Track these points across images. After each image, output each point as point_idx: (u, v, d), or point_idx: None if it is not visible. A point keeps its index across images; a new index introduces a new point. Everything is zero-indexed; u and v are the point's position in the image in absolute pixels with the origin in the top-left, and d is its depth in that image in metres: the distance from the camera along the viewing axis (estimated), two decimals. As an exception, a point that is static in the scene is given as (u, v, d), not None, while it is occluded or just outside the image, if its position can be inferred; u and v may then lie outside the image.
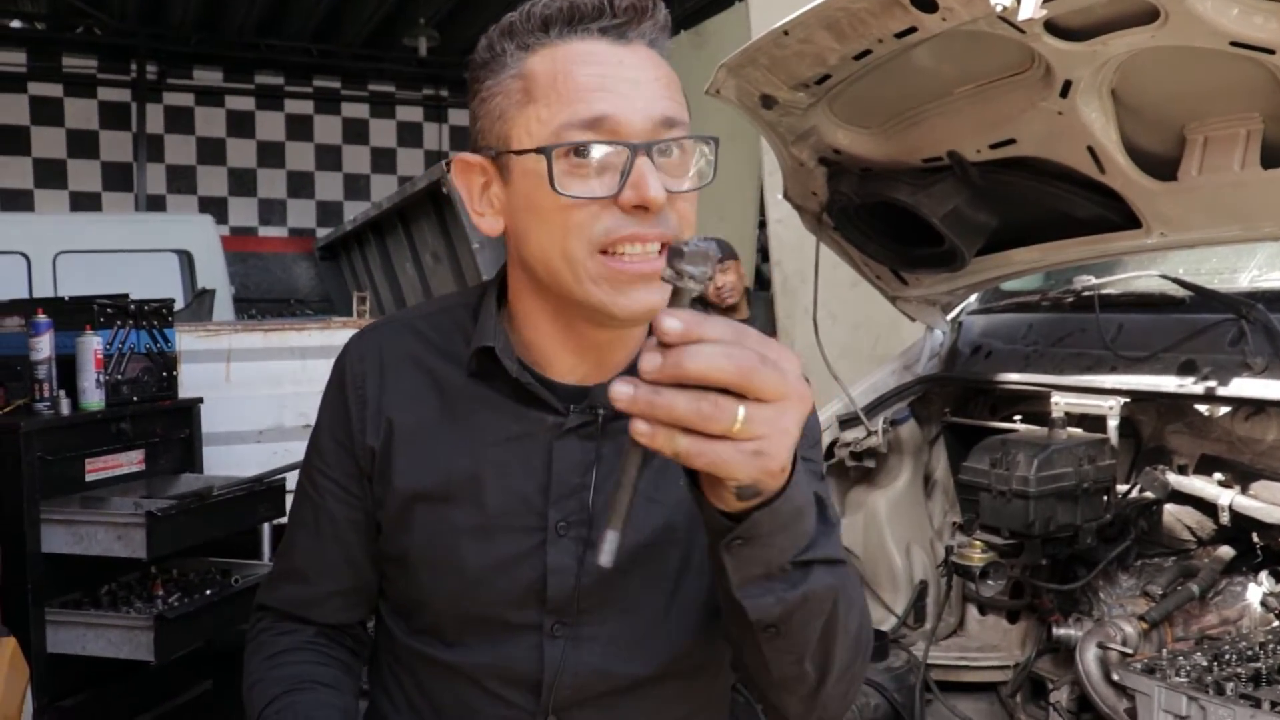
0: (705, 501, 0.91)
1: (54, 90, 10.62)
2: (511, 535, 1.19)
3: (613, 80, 1.09)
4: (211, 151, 11.33)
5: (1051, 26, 1.86)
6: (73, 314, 3.53)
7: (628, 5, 1.10)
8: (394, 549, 1.25)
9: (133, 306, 3.68)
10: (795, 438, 0.83)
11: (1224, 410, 2.31)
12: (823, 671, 1.05)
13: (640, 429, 0.79)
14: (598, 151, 1.07)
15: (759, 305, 4.76)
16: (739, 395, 0.79)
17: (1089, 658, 2.24)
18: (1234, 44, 1.75)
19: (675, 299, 0.83)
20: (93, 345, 3.46)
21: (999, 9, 1.76)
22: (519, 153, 1.10)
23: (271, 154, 11.61)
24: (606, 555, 0.83)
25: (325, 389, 1.33)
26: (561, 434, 1.19)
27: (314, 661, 1.30)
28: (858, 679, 1.11)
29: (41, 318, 3.41)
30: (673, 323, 0.78)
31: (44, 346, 3.40)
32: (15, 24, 10.12)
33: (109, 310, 3.58)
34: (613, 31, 1.10)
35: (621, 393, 0.79)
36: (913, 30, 1.97)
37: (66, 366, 3.46)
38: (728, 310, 4.57)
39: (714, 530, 0.93)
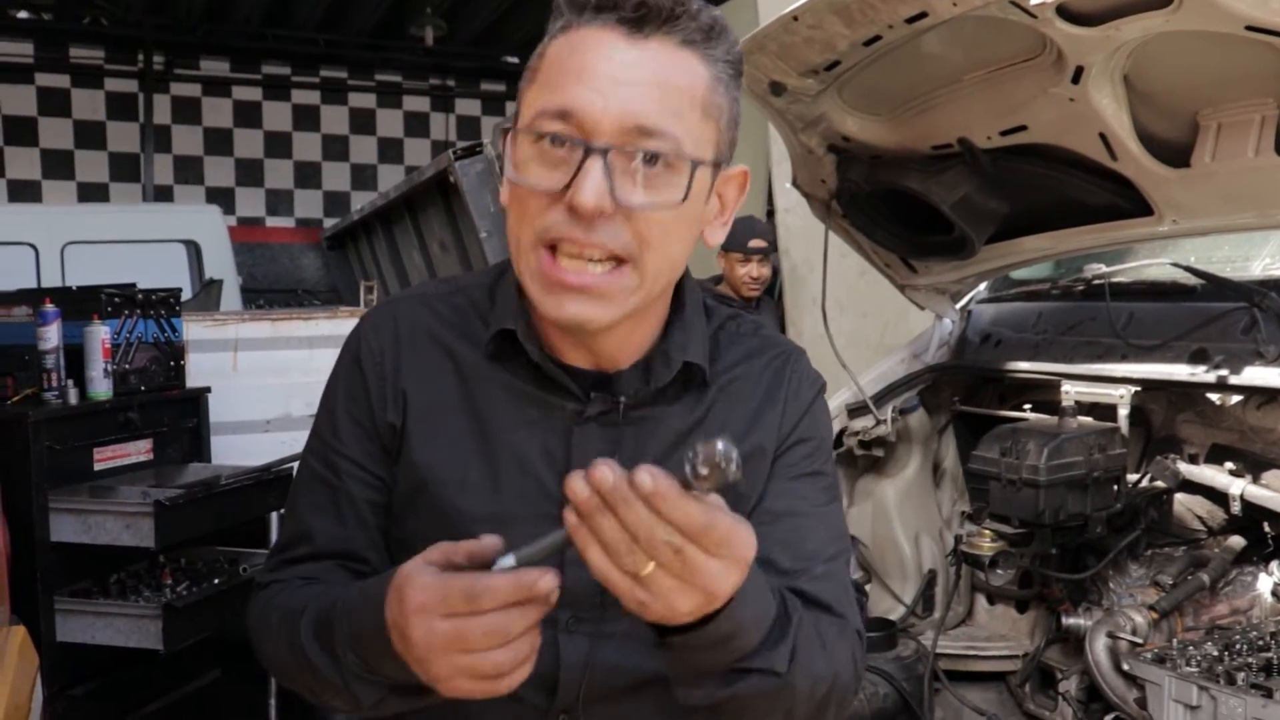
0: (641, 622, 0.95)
1: (61, 81, 10.61)
2: (529, 523, 1.12)
3: (595, 74, 1.05)
4: (218, 142, 11.31)
5: (1064, 11, 1.85)
6: (80, 304, 3.52)
7: (648, 9, 1.05)
8: (403, 533, 1.21)
9: (140, 296, 3.67)
10: (683, 614, 0.89)
11: (1235, 399, 2.29)
12: None
13: (570, 521, 0.87)
14: (559, 142, 1.04)
15: (765, 309, 4.71)
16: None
17: (1099, 647, 2.23)
18: (1249, 28, 1.73)
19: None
20: (100, 335, 3.46)
21: (1011, -7, 1.75)
22: (505, 131, 1.12)
23: (278, 144, 11.59)
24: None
25: (337, 367, 1.27)
26: (582, 421, 1.17)
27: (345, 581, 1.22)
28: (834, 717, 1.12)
29: (49, 307, 3.40)
30: (605, 478, 0.84)
31: (52, 336, 3.40)
32: (22, 15, 10.11)
33: (116, 300, 3.57)
34: (629, 25, 1.06)
35: (570, 517, 0.87)
36: (923, 15, 1.96)
37: (74, 356, 3.46)
38: (746, 303, 4.52)
39: (650, 640, 0.99)
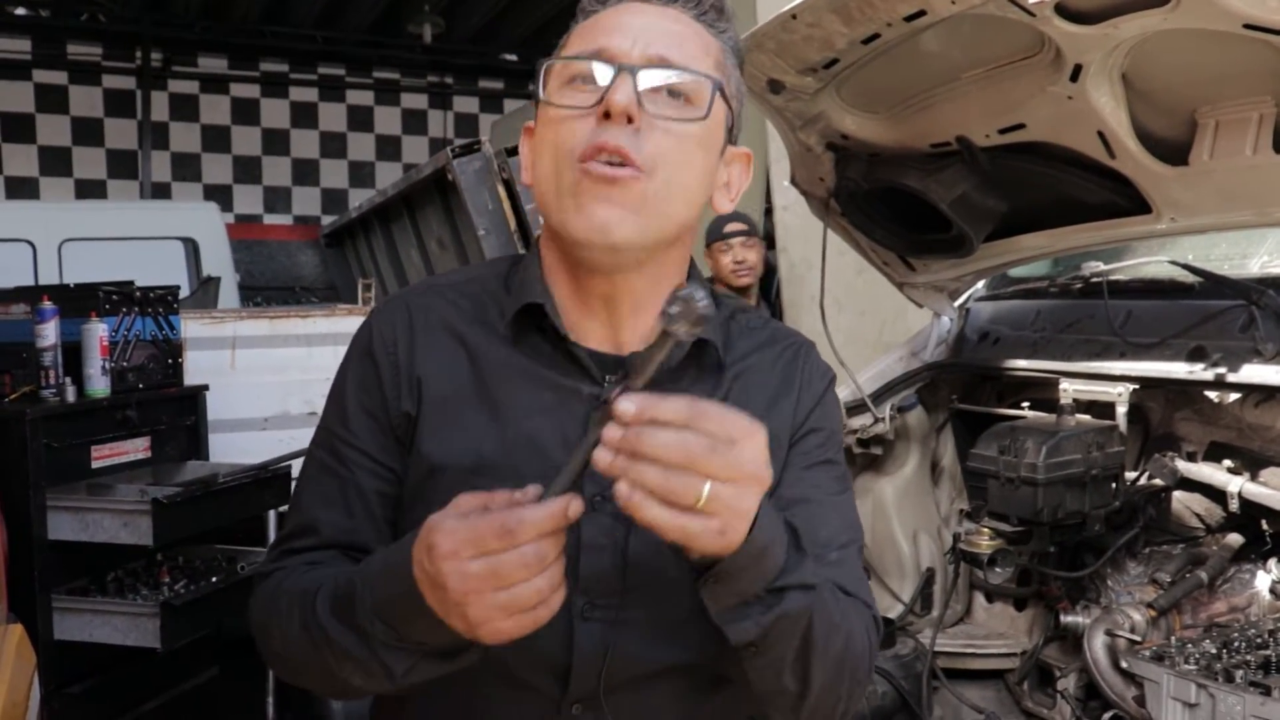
0: (679, 556, 0.97)
1: (59, 78, 10.60)
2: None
3: (624, 24, 1.16)
4: (216, 139, 11.31)
5: (1062, 9, 1.85)
6: (78, 301, 3.52)
7: None
8: (412, 522, 1.14)
9: (138, 294, 3.67)
10: (753, 511, 0.93)
11: (1233, 396, 2.29)
12: (803, 686, 1.08)
13: (622, 492, 0.88)
14: (589, 80, 1.13)
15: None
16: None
17: (1097, 645, 2.24)
18: (1247, 26, 1.73)
19: (660, 343, 0.91)
20: (98, 332, 3.46)
21: (1009, -9, 1.75)
22: (533, 80, 1.19)
23: (276, 141, 11.58)
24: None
25: (347, 363, 1.28)
26: (599, 404, 1.15)
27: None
28: (848, 699, 1.14)
29: (47, 305, 3.40)
30: (626, 405, 0.88)
31: (49, 333, 3.40)
32: (20, 11, 10.10)
33: (114, 297, 3.57)
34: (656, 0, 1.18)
35: (602, 458, 0.89)
36: (921, 14, 1.95)
37: (72, 353, 3.46)
38: (740, 290, 4.48)
39: (691, 573, 1.00)
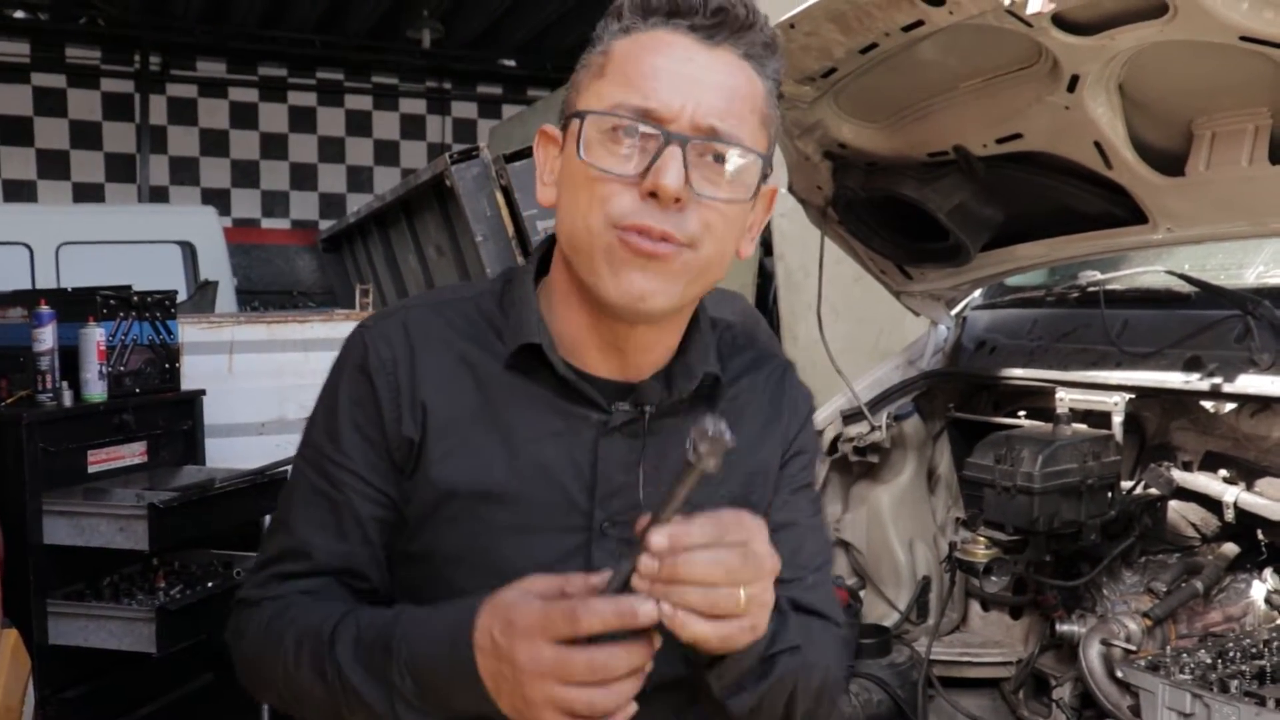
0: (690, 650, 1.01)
1: (57, 81, 10.59)
2: (554, 535, 1.16)
3: (674, 75, 1.09)
4: (214, 143, 11.31)
5: (1059, 20, 1.85)
6: (76, 305, 3.51)
7: (718, 6, 1.10)
8: (419, 546, 1.18)
9: (136, 298, 3.66)
10: (771, 605, 0.99)
11: (1229, 407, 2.30)
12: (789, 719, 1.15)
13: (666, 613, 0.92)
14: (632, 132, 1.08)
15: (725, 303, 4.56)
16: None
17: (1092, 654, 2.24)
18: (1243, 38, 1.74)
19: (683, 475, 0.93)
20: (95, 337, 3.45)
21: (1007, 3, 1.76)
22: (570, 116, 1.13)
23: (274, 146, 11.58)
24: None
25: (338, 376, 1.22)
26: (607, 432, 1.17)
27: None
28: (829, 704, 1.21)
29: (44, 309, 3.39)
30: (659, 539, 0.92)
31: (47, 338, 3.39)
32: (19, 14, 10.09)
33: (112, 302, 3.57)
34: (702, 31, 1.11)
35: (641, 588, 0.93)
36: (919, 24, 1.96)
37: (69, 358, 3.45)
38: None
39: (699, 664, 1.06)
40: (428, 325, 1.21)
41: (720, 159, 1.10)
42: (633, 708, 0.96)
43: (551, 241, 1.25)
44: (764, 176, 1.16)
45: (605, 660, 0.94)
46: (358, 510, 1.18)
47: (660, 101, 1.08)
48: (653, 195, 1.07)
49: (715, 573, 0.93)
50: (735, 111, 1.11)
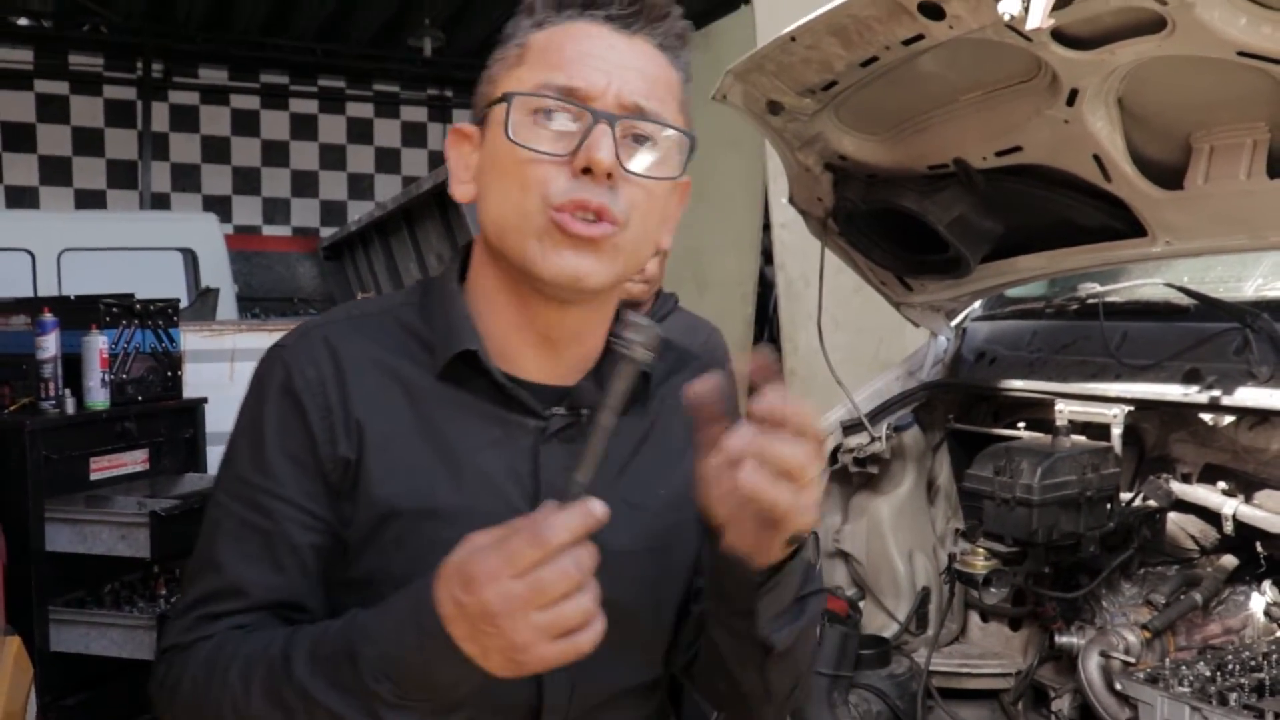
0: (740, 564, 1.05)
1: (60, 88, 10.62)
2: None
3: (597, 58, 1.12)
4: (216, 150, 11.33)
5: (1059, 35, 1.86)
6: (79, 313, 3.54)
7: (643, 3, 1.14)
8: (360, 571, 1.14)
9: (138, 306, 3.69)
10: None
11: (1228, 419, 2.31)
12: (804, 676, 1.21)
13: (752, 480, 0.95)
14: (560, 113, 1.10)
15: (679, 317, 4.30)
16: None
17: (1091, 666, 2.24)
18: (1241, 54, 1.75)
19: (623, 369, 0.98)
20: (98, 344, 3.48)
21: (1006, 18, 1.76)
22: (491, 104, 1.14)
23: (276, 153, 11.61)
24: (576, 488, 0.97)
25: (259, 404, 1.16)
26: (545, 439, 1.17)
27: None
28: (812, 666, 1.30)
29: (48, 317, 3.42)
30: (761, 404, 0.96)
31: (50, 345, 3.41)
32: (23, 22, 10.11)
33: (115, 310, 3.59)
34: (619, 20, 1.14)
35: (739, 439, 0.97)
36: (920, 38, 1.97)
37: (72, 365, 3.47)
38: (633, 302, 4.17)
39: (748, 585, 1.08)
40: (350, 341, 1.17)
41: (643, 139, 1.13)
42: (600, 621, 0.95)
43: (467, 250, 1.25)
44: (688, 156, 1.18)
45: (570, 564, 0.91)
46: (294, 539, 1.12)
47: (586, 81, 1.11)
48: (585, 172, 1.08)
49: (800, 454, 0.96)
50: (657, 95, 1.14)
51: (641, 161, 1.12)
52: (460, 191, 1.21)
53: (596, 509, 0.92)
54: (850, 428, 2.90)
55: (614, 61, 1.12)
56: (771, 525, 1.00)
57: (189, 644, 1.13)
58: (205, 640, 1.11)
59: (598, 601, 0.94)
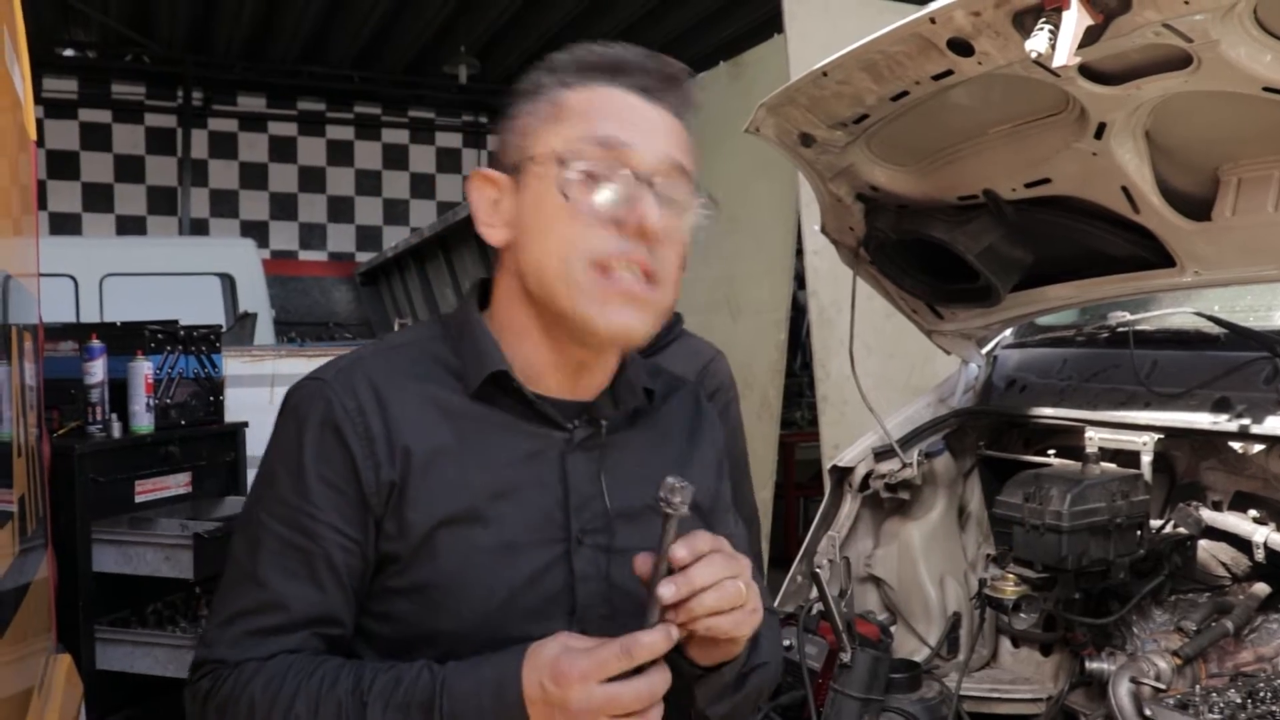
0: (689, 665, 1.19)
1: (103, 116, 10.84)
2: (536, 550, 1.23)
3: (635, 120, 1.21)
4: (254, 176, 11.51)
5: (1086, 70, 1.90)
6: (125, 339, 3.62)
7: (666, 75, 1.24)
8: (409, 580, 1.21)
9: (182, 333, 3.77)
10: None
11: (1258, 448, 2.32)
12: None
13: (679, 628, 1.10)
14: (608, 172, 1.18)
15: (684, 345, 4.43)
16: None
17: (1122, 692, 2.25)
18: (1267, 89, 1.78)
19: (666, 524, 1.10)
20: (144, 370, 3.55)
21: (1034, 55, 1.80)
22: (537, 160, 1.20)
23: (312, 179, 11.77)
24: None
25: (299, 435, 1.23)
26: (571, 449, 1.27)
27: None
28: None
29: (95, 343, 3.50)
30: (682, 552, 1.10)
31: (97, 371, 3.49)
32: (68, 52, 10.34)
33: (159, 336, 3.67)
34: (644, 91, 1.22)
35: (657, 626, 1.09)
36: (949, 73, 2.01)
37: (118, 390, 3.55)
38: None
39: (691, 678, 1.21)
40: (387, 372, 1.25)
41: (675, 201, 1.21)
42: None
43: (483, 285, 1.34)
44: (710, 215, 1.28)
45: (648, 685, 1.08)
46: (333, 558, 1.20)
47: (630, 137, 1.19)
48: (633, 232, 1.17)
49: (721, 573, 1.10)
50: (686, 155, 1.24)
51: (675, 223, 1.22)
52: (494, 236, 1.27)
53: (674, 633, 1.09)
54: (882, 454, 2.93)
55: (648, 125, 1.21)
56: (713, 642, 1.16)
57: (237, 662, 1.18)
58: (258, 662, 1.17)
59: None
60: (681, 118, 1.25)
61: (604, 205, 1.17)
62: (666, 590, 1.08)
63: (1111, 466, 2.51)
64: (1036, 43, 1.74)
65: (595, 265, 1.17)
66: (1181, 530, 2.43)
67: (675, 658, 1.15)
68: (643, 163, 1.19)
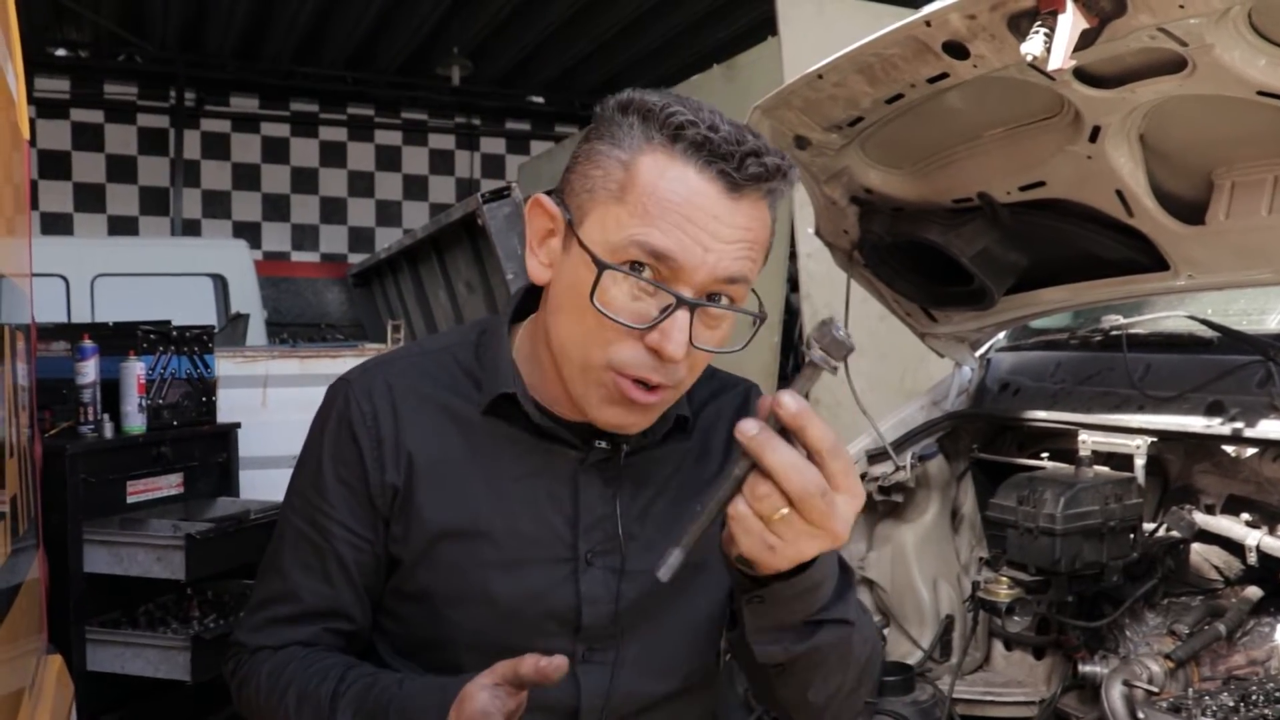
0: (740, 567, 1.05)
1: (95, 116, 10.82)
2: (541, 567, 1.24)
3: (698, 227, 1.10)
4: (246, 177, 11.49)
5: (1081, 74, 1.90)
6: (117, 340, 3.60)
7: (753, 172, 1.11)
8: (414, 586, 1.25)
9: (174, 333, 3.75)
10: (807, 556, 1.00)
11: (1251, 451, 2.32)
12: (830, 699, 1.18)
13: (761, 494, 0.95)
14: (650, 291, 1.12)
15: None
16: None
17: (1114, 695, 2.25)
18: (1261, 93, 1.78)
19: (806, 373, 0.95)
20: (136, 370, 3.53)
21: (1029, 58, 1.80)
22: (584, 246, 1.13)
23: (305, 180, 11.75)
24: (666, 570, 0.96)
25: (321, 430, 1.30)
26: (584, 468, 1.26)
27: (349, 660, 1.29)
28: (863, 696, 1.25)
29: (87, 343, 3.48)
30: (789, 401, 0.93)
31: (89, 371, 3.47)
32: (60, 52, 10.31)
33: (152, 336, 3.65)
34: (730, 180, 1.11)
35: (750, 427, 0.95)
36: (944, 76, 2.01)
37: (110, 390, 3.53)
38: None
39: (737, 583, 1.09)
40: (408, 378, 1.29)
41: (716, 316, 1.16)
42: None
43: (528, 292, 1.32)
44: (755, 330, 1.21)
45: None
46: (342, 555, 1.26)
47: (682, 250, 1.09)
48: (655, 352, 1.12)
49: (790, 480, 0.94)
50: (750, 258, 1.14)
51: (712, 339, 1.16)
52: (537, 272, 1.22)
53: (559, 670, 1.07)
54: (875, 456, 2.93)
55: (717, 235, 1.11)
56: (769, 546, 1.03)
57: (254, 648, 1.29)
58: (270, 651, 1.28)
59: None
60: (772, 195, 1.16)
61: (635, 323, 1.12)
62: (791, 401, 0.93)
63: (1105, 470, 2.51)
64: (1032, 46, 1.75)
65: (609, 370, 1.15)
66: (1174, 533, 2.44)
67: (726, 566, 1.08)
68: (692, 281, 1.11)
